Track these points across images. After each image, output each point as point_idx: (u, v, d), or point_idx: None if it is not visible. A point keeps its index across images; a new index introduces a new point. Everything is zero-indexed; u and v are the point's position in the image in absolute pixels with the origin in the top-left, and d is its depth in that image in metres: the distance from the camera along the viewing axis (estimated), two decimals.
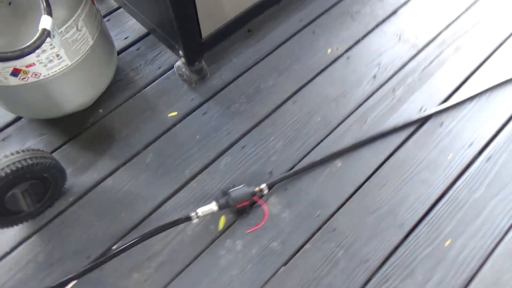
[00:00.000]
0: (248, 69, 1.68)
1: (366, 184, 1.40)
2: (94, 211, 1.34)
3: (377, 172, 1.42)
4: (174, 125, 1.54)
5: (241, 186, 1.32)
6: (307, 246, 1.29)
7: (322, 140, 1.51)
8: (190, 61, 1.51)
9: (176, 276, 1.25)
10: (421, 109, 1.53)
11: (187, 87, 1.63)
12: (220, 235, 1.32)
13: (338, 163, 1.45)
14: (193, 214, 1.25)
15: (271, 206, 1.37)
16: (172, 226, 1.23)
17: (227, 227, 1.34)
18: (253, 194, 1.32)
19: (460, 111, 1.52)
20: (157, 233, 1.22)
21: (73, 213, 1.34)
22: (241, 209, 1.33)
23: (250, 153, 1.49)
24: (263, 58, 1.70)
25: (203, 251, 1.29)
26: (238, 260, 1.28)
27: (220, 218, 1.35)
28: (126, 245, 1.17)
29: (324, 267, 1.25)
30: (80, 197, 1.37)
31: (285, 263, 1.27)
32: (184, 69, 1.55)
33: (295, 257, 1.28)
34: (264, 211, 1.36)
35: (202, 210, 1.27)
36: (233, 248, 1.29)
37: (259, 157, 1.47)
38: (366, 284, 1.23)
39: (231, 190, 1.30)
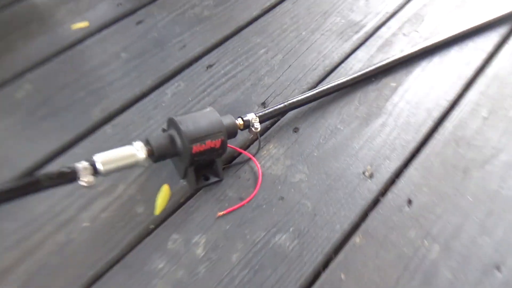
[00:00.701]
0: None
1: None
2: None
3: None
4: (80, 41, 0.84)
5: (205, 109, 0.60)
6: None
7: (352, 51, 0.83)
8: None
9: None
10: None
11: None
12: (157, 226, 0.58)
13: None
14: (81, 165, 0.51)
15: (268, 163, 0.66)
16: (23, 193, 0.49)
17: (173, 209, 0.60)
18: (232, 130, 0.60)
19: None
20: None
21: None
22: (204, 162, 0.60)
23: (223, 74, 0.79)
24: None
25: (116, 262, 0.54)
26: (197, 281, 0.53)
27: (159, 189, 0.61)
28: None
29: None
30: None
31: None
32: None
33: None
34: (255, 173, 0.64)
35: (106, 158, 0.53)
36: (187, 251, 0.55)
37: (239, 80, 0.78)
38: None
39: (181, 116, 0.57)
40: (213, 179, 0.63)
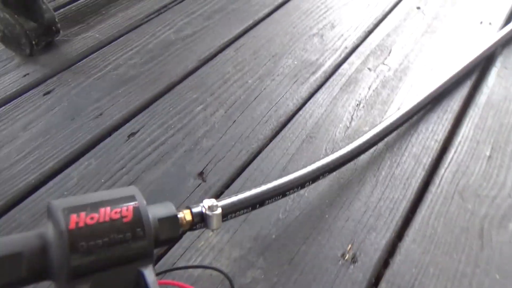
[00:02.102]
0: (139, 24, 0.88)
1: None
2: None
3: None
4: None
5: (120, 189, 0.38)
6: None
7: (311, 95, 0.68)
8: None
9: None
10: None
11: (18, 59, 0.79)
12: None
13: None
14: None
15: (207, 259, 0.47)
16: None
17: None
18: (168, 228, 0.35)
19: None
20: None
21: None
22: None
23: (149, 143, 0.61)
24: None
25: None
26: None
27: None
28: None
29: None
30: None
31: None
32: (15, 24, 0.74)
33: None
34: None
35: None
36: None
37: (170, 148, 0.60)
38: None
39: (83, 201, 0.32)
40: None
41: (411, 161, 0.58)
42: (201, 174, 0.57)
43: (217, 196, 0.54)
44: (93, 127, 0.64)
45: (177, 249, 0.48)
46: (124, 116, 0.66)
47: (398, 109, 0.66)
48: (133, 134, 0.63)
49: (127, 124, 0.65)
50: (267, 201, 0.44)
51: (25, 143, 0.62)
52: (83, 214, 0.29)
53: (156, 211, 0.34)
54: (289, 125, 0.64)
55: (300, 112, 0.66)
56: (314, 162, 0.51)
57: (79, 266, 0.28)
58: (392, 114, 0.60)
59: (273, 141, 0.62)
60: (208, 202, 0.39)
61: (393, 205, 0.52)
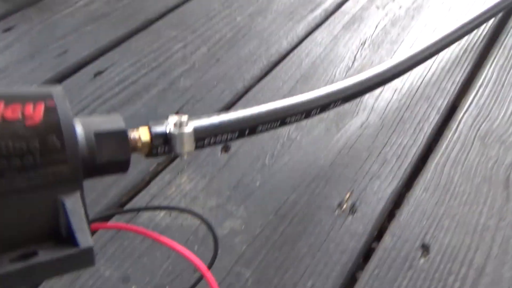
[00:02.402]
0: None
1: None
2: None
3: None
4: None
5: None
6: None
7: (308, 34, 0.59)
8: None
9: None
10: None
11: None
12: None
13: None
14: None
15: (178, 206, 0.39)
16: None
17: None
18: (112, 147, 0.25)
19: None
20: None
21: None
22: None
23: (118, 82, 0.53)
24: None
25: None
26: None
27: None
28: None
29: None
30: None
31: None
32: None
33: None
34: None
35: None
36: None
37: (141, 87, 0.51)
38: None
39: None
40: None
41: (423, 103, 0.50)
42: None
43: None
44: (55, 65, 0.55)
45: (143, 196, 0.40)
46: (92, 53, 0.57)
47: (410, 48, 0.57)
48: (100, 72, 0.54)
49: (95, 62, 0.56)
50: (260, 127, 0.33)
51: None
52: None
53: (94, 123, 0.24)
54: (281, 65, 0.55)
55: (295, 51, 0.57)
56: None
57: None
58: (411, 51, 0.51)
59: (262, 81, 0.53)
60: (175, 118, 0.28)
61: (401, 151, 0.44)
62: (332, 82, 0.53)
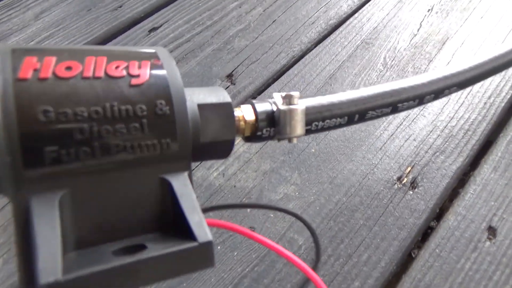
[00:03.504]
0: None
1: None
2: None
3: None
4: None
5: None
6: None
7: None
8: None
9: None
10: None
11: None
12: None
13: None
14: None
15: (230, 170, 0.38)
16: None
17: None
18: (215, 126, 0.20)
19: None
20: None
21: None
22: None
23: (172, 39, 0.52)
24: None
25: None
26: None
27: None
28: None
29: None
30: None
31: None
32: None
33: None
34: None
35: None
36: None
37: (196, 46, 0.50)
38: None
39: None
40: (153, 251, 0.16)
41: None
42: (230, 76, 0.47)
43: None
44: (110, 19, 0.55)
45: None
46: (147, 9, 0.56)
47: (481, 18, 0.52)
48: (154, 29, 0.54)
49: (149, 18, 0.55)
50: (369, 113, 0.27)
51: (36, 32, 0.55)
52: (50, 59, 0.15)
53: (195, 93, 0.19)
54: (340, 29, 0.52)
55: (356, 15, 0.54)
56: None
57: (37, 152, 0.14)
58: None
59: (320, 45, 0.51)
60: (279, 94, 0.22)
61: (469, 126, 0.41)
62: (395, 49, 0.50)
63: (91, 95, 0.15)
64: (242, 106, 0.22)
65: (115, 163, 0.15)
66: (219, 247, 0.34)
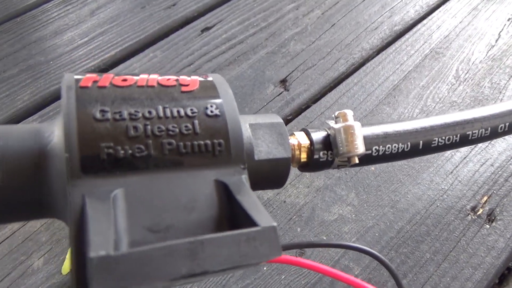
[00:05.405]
0: None
1: None
2: None
3: None
4: (38, 4, 0.60)
5: None
6: None
7: (441, 3, 0.50)
8: None
9: None
10: None
11: None
12: None
13: None
14: None
15: None
16: None
17: None
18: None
19: None
20: None
21: None
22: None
23: (225, 40, 0.50)
24: None
25: None
26: None
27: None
28: None
29: None
30: None
31: None
32: None
33: None
34: None
35: None
36: None
37: (249, 47, 0.48)
38: None
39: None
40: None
41: None
42: (283, 81, 0.45)
43: (301, 110, 0.42)
44: (163, 18, 0.54)
45: None
46: (200, 8, 0.55)
47: None
48: (207, 28, 0.52)
49: (202, 18, 0.53)
50: (433, 141, 0.24)
51: (90, 28, 0.55)
52: (108, 75, 0.17)
53: (245, 118, 0.19)
54: (406, 36, 0.48)
55: (424, 21, 0.49)
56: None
57: (94, 147, 0.15)
58: None
59: (383, 53, 0.46)
60: (335, 114, 0.22)
61: None
62: (469, 61, 0.45)
63: (144, 98, 0.16)
64: (295, 133, 0.21)
65: (168, 162, 0.16)
66: (265, 268, 0.31)
